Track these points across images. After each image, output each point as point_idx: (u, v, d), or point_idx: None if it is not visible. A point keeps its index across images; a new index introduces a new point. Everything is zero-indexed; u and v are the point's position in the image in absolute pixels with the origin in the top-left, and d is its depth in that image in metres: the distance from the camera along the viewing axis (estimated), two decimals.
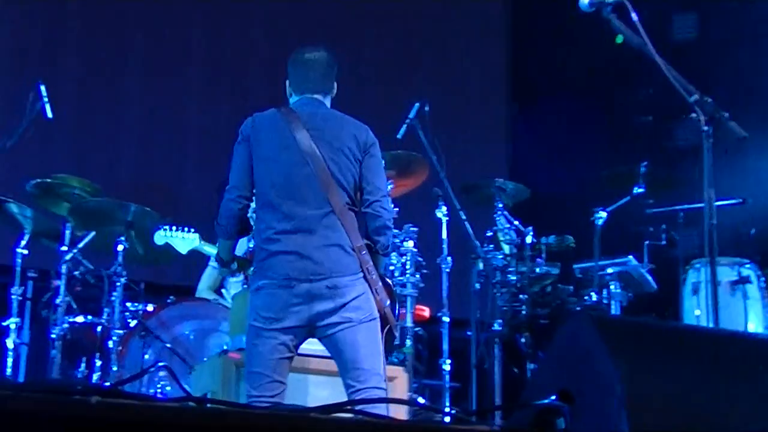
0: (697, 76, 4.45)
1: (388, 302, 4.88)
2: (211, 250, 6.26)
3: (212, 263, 7.36)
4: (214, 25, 9.49)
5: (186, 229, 6.32)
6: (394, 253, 6.72)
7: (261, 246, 4.77)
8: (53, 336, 6.38)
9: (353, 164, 4.82)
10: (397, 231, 6.80)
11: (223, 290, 7.23)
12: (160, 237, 6.26)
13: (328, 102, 5.01)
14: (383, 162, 5.01)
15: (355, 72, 9.81)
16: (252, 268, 4.97)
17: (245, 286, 6.16)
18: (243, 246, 6.86)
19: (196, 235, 6.29)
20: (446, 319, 6.95)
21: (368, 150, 4.87)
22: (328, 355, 5.59)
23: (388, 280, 5.05)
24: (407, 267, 6.76)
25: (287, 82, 5.04)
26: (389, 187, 5.07)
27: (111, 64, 9.08)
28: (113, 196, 6.73)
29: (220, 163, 9.00)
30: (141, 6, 9.24)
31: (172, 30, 9.33)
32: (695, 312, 7.41)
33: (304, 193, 4.74)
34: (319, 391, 5.50)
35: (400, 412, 5.43)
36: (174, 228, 6.29)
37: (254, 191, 4.85)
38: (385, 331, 4.85)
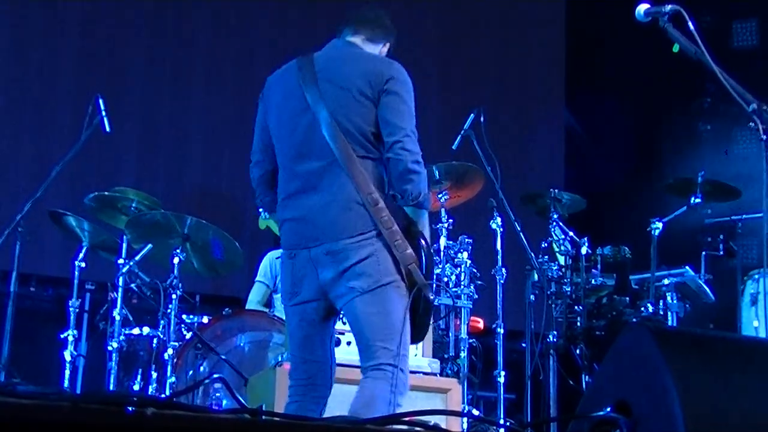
0: (758, 84, 4.40)
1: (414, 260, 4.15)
2: None
3: (260, 278, 7.39)
4: (276, 38, 9.50)
5: None
6: (448, 265, 6.71)
7: (277, 213, 4.40)
8: (110, 348, 6.43)
9: (363, 104, 4.21)
10: (451, 242, 6.80)
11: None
12: (263, 221, 6.26)
13: (366, 47, 4.47)
14: (409, 101, 4.30)
15: (413, 83, 9.81)
16: None
17: None
18: None
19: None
20: (501, 330, 6.93)
21: (384, 86, 4.22)
22: None
23: (425, 235, 4.28)
24: (462, 278, 6.74)
25: None
26: (405, 135, 4.18)
27: (174, 77, 9.15)
28: (174, 209, 6.76)
29: None
30: (206, 19, 9.31)
31: (236, 42, 9.38)
32: (754, 323, 7.32)
33: (307, 145, 4.25)
34: None
35: (456, 425, 5.42)
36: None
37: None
38: (413, 294, 4.16)
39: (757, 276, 7.44)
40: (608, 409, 3.11)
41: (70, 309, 6.73)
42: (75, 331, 6.70)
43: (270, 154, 4.43)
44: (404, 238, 4.14)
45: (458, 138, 7.04)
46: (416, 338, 4.29)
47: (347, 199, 4.15)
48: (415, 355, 5.80)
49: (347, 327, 5.53)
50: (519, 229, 6.89)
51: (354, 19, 4.48)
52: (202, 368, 6.49)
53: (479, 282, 6.89)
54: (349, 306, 4.17)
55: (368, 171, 4.19)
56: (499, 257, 7.00)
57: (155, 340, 6.57)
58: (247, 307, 7.31)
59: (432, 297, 4.20)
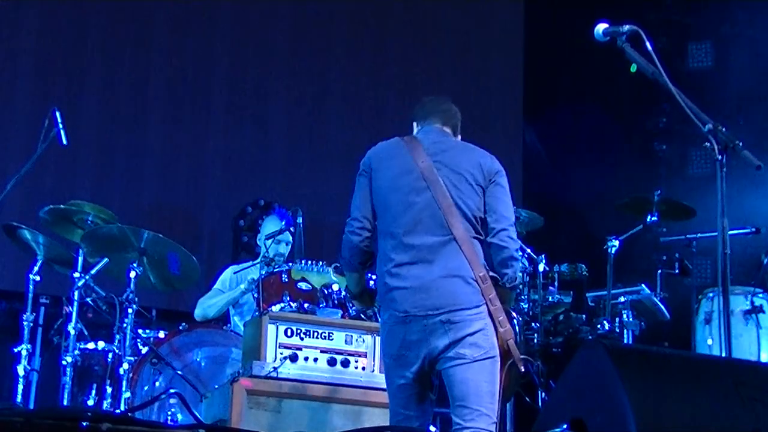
0: (713, 104, 4.45)
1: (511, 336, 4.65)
2: (342, 282, 6.21)
3: (218, 286, 7.34)
4: (236, 53, 9.50)
5: (320, 263, 6.36)
6: None
7: (382, 279, 4.70)
8: (64, 363, 6.36)
9: (475, 191, 4.69)
10: None
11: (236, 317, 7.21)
12: (297, 272, 6.33)
13: (453, 137, 4.94)
14: (508, 191, 4.84)
15: (373, 94, 9.82)
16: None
17: (256, 313, 6.15)
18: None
19: (330, 269, 6.29)
20: None
21: (493, 178, 4.75)
22: (349, 383, 5.66)
23: (513, 314, 4.82)
24: None
25: (413, 124, 5.00)
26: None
27: (131, 90, 9.09)
28: (131, 223, 6.71)
29: (239, 191, 9.13)
30: (163, 33, 9.28)
31: (194, 57, 9.35)
32: (708, 341, 7.38)
33: (423, 220, 4.63)
34: (336, 419, 5.50)
35: None
36: (308, 262, 6.33)
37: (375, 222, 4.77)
38: (507, 365, 4.64)
39: (711, 295, 7.50)
40: (564, 427, 3.12)
41: (24, 323, 6.65)
42: (29, 346, 6.62)
43: (371, 223, 4.77)
44: (504, 315, 4.60)
45: None
46: (501, 404, 4.73)
47: (465, 275, 4.56)
48: (372, 371, 5.79)
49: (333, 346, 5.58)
50: None
51: (441, 113, 4.94)
52: (157, 383, 6.45)
53: None
54: (454, 370, 4.56)
55: (477, 250, 4.63)
56: None
57: (110, 355, 6.51)
58: (197, 308, 7.20)
59: (522, 370, 4.69)
